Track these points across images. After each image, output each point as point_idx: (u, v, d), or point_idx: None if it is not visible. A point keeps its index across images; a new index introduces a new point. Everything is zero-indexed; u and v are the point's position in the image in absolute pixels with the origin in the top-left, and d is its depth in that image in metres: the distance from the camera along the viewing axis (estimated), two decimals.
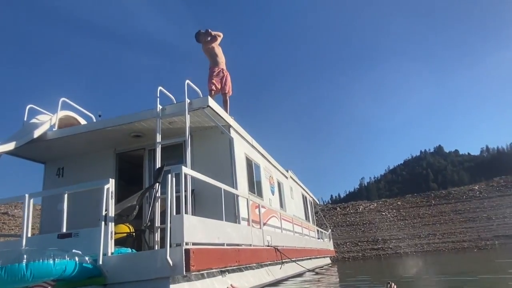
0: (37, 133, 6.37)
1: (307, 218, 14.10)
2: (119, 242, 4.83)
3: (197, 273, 3.74)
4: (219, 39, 7.87)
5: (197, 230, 3.90)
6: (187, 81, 6.09)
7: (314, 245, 12.59)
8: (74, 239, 3.87)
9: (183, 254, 3.41)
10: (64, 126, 7.31)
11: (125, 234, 5.02)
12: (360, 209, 33.82)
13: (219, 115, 6.26)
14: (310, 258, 11.16)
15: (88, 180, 5.17)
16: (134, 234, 5.17)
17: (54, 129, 6.75)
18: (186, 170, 3.88)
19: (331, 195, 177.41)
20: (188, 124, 5.56)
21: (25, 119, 6.73)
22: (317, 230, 15.72)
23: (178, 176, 3.89)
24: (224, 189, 5.32)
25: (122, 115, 6.29)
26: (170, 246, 3.49)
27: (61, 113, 7.12)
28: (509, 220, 23.25)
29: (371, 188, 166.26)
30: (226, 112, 7.32)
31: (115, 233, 4.83)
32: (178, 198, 4.97)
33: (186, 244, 3.56)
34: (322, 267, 12.32)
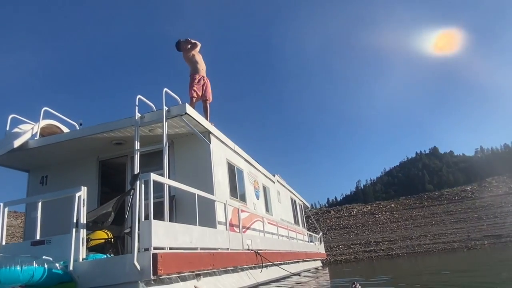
0: (18, 143, 6.46)
1: (296, 221, 14.20)
2: (97, 248, 4.93)
3: (167, 277, 3.84)
4: (198, 47, 8.05)
5: (167, 235, 4.01)
6: (165, 89, 6.21)
7: (303, 248, 12.70)
8: (46, 246, 3.96)
9: (151, 258, 3.52)
10: (48, 134, 7.41)
11: (103, 240, 5.10)
12: (354, 212, 34.04)
13: (198, 121, 6.38)
14: (297, 261, 11.26)
15: (71, 188, 5.25)
16: (112, 240, 5.25)
17: (35, 138, 6.84)
18: (155, 177, 3.99)
19: (328, 198, 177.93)
20: (165, 132, 5.68)
21: (7, 128, 6.82)
22: (307, 233, 15.82)
23: (156, 183, 4.03)
24: (203, 195, 5.46)
25: (102, 123, 6.40)
26: (139, 251, 3.60)
27: (43, 122, 7.21)
28: (499, 220, 23.50)
29: (367, 191, 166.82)
30: (207, 118, 7.45)
31: (93, 240, 4.95)
32: (159, 204, 5.12)
33: (155, 249, 3.67)
34: (310, 270, 12.42)
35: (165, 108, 5.88)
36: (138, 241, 3.62)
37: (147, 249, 3.63)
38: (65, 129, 7.69)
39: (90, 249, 4.79)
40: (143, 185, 3.85)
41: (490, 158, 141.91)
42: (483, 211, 26.38)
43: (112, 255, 5.10)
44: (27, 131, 6.84)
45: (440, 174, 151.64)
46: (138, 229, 3.67)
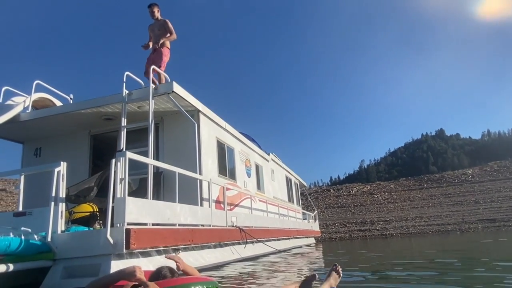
0: (9, 115, 6.57)
1: (290, 199, 14.43)
2: (82, 221, 5.11)
3: (142, 250, 4.02)
4: (171, 39, 7.13)
5: (143, 211, 4.16)
6: (153, 66, 6.25)
7: (295, 226, 12.96)
8: (28, 217, 4.13)
9: (124, 233, 3.68)
10: (41, 107, 7.52)
11: (87, 213, 5.28)
12: (353, 192, 34.33)
13: (186, 100, 6.43)
14: (288, 238, 11.54)
15: (64, 160, 5.40)
16: (98, 213, 5.44)
17: (28, 111, 6.95)
18: (131, 155, 4.10)
19: (331, 177, 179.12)
20: (151, 109, 5.76)
21: (0, 100, 6.93)
22: (301, 211, 16.09)
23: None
24: (185, 173, 5.58)
25: (91, 98, 6.49)
26: (113, 226, 3.76)
27: (36, 95, 7.29)
28: (495, 204, 23.61)
29: (370, 171, 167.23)
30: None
31: (76, 213, 5.13)
32: (145, 180, 5.27)
33: (129, 224, 3.83)
34: (301, 246, 12.72)
35: (152, 85, 5.94)
36: (112, 216, 3.77)
37: (121, 224, 3.79)
38: (58, 103, 7.78)
39: (73, 221, 4.98)
40: (119, 163, 3.96)
41: (497, 142, 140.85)
42: (481, 195, 26.49)
43: (103, 227, 5.31)
44: (19, 104, 6.95)
45: (445, 157, 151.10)
46: (113, 204, 3.81)
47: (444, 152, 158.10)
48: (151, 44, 7.14)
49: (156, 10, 7.04)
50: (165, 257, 2.58)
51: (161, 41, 6.89)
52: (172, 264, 2.68)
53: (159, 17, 7.10)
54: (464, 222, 20.47)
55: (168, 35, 7.00)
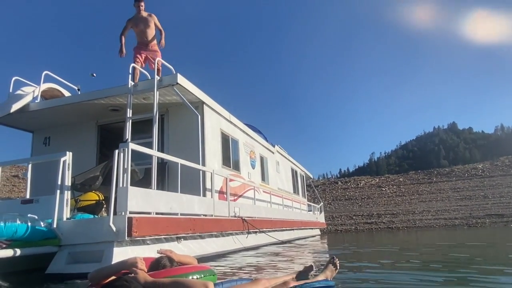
0: (18, 105, 6.74)
1: (296, 191, 14.51)
2: (88, 209, 5.27)
3: (143, 238, 4.15)
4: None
5: (145, 200, 4.28)
6: (158, 58, 6.34)
7: (299, 217, 13.06)
8: (34, 204, 4.29)
9: (126, 221, 3.81)
10: (50, 97, 7.70)
11: (93, 202, 5.44)
12: (361, 184, 34.26)
13: (190, 92, 6.51)
14: (292, 229, 11.65)
15: (72, 150, 5.54)
16: (103, 201, 5.60)
17: (36, 101, 7.12)
18: (134, 146, 4.21)
19: (340, 169, 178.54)
20: (156, 101, 5.86)
21: (10, 90, 7.10)
22: (307, 203, 16.18)
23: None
24: (187, 164, 5.69)
25: (98, 90, 6.61)
26: (115, 214, 3.89)
27: (45, 86, 7.45)
28: (504, 199, 23.38)
29: (380, 163, 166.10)
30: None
31: (82, 201, 5.30)
32: (150, 170, 5.39)
33: (131, 213, 3.95)
34: (314, 236, 12.84)
35: (157, 77, 6.04)
36: (115, 205, 3.90)
37: (124, 213, 3.92)
38: (66, 93, 7.94)
39: (80, 209, 5.15)
40: (122, 154, 4.08)
41: (510, 137, 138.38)
42: (490, 190, 26.24)
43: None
44: (29, 94, 7.11)
45: (457, 150, 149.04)
46: (116, 194, 3.94)
47: (456, 146, 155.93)
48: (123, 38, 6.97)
49: (143, 4, 6.91)
50: (157, 252, 2.67)
51: (161, 40, 6.87)
52: None
53: (144, 13, 6.96)
54: (471, 216, 20.34)
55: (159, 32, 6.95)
